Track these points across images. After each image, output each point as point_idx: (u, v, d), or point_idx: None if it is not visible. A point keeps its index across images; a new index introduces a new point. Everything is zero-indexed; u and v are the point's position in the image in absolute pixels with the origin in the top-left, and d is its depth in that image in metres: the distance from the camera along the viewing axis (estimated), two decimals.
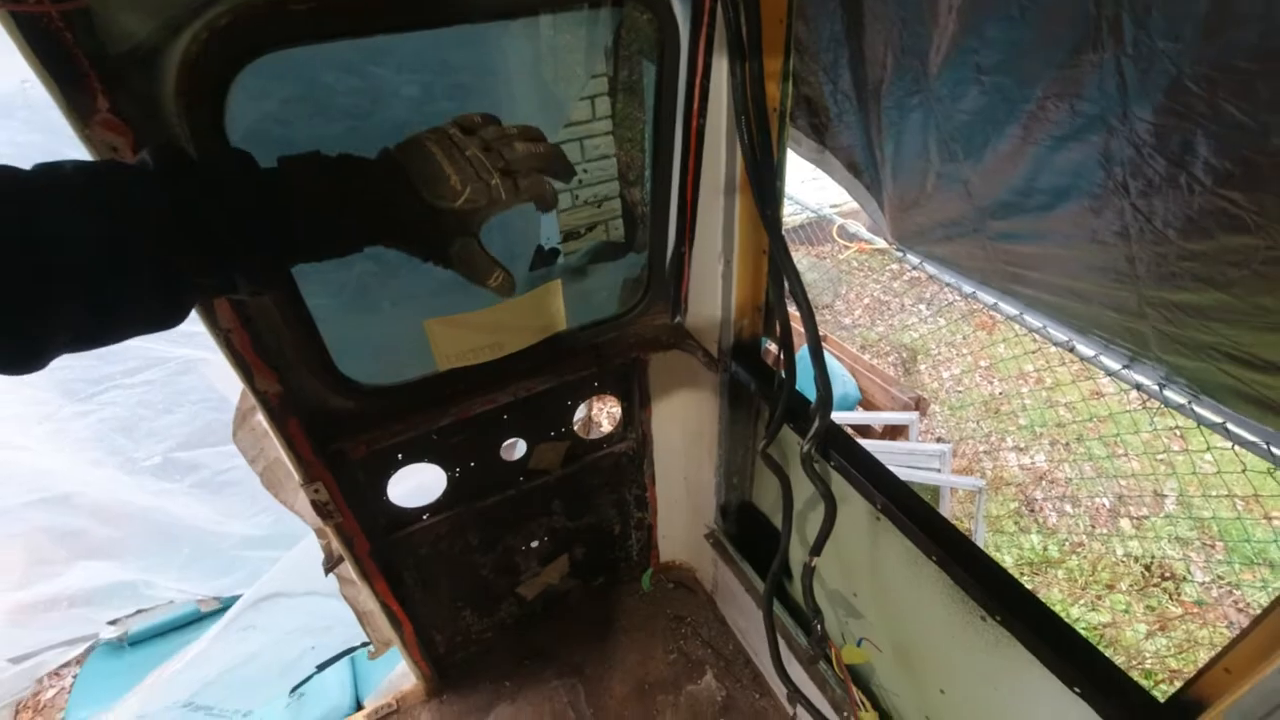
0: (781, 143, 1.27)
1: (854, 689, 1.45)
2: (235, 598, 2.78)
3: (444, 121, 0.90)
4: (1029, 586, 4.09)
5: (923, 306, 7.46)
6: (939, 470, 3.40)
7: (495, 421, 1.74)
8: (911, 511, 1.23)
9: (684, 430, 2.02)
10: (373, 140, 0.89)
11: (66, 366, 2.55)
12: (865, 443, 3.70)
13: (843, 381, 3.79)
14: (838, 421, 3.81)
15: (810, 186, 7.68)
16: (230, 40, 0.94)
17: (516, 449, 1.88)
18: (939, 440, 4.68)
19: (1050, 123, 1.28)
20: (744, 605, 2.10)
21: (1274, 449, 2.16)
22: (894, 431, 3.68)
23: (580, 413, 1.92)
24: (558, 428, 1.88)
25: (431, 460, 1.73)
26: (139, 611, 3.03)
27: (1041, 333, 2.96)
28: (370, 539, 1.63)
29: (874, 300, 7.49)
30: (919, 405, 3.59)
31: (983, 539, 3.22)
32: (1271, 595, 4.17)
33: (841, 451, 1.37)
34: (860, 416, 3.66)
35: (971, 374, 6.31)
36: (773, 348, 1.60)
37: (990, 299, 3.18)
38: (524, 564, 2.14)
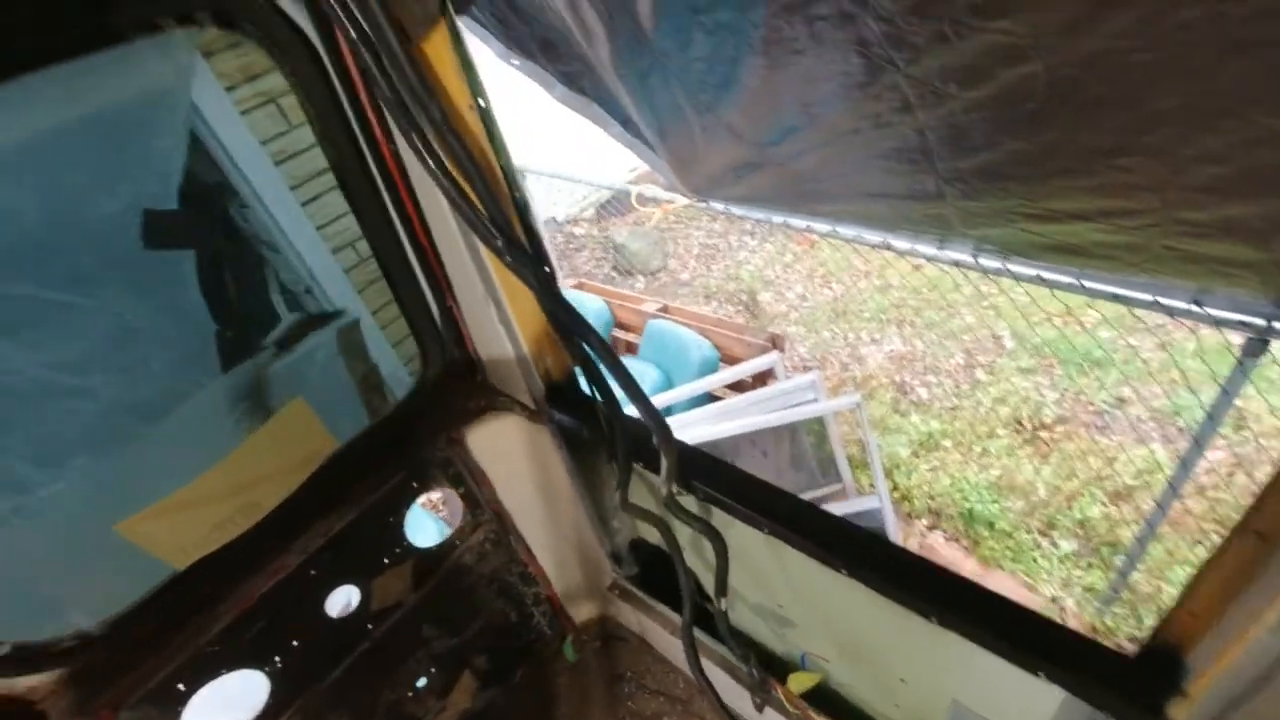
0: (497, 144, 0.99)
1: (812, 716, 1.27)
2: None
3: None
4: (928, 467, 4.23)
5: (749, 238, 7.63)
6: (815, 399, 3.38)
7: (302, 585, 1.36)
8: (804, 525, 1.04)
9: (539, 490, 1.73)
10: None
11: None
12: (740, 399, 3.62)
13: (697, 347, 3.67)
14: (705, 389, 3.69)
15: (605, 153, 7.56)
16: None
17: (348, 596, 1.50)
18: (806, 369, 4.76)
19: (789, 40, 1.11)
20: (676, 642, 1.87)
21: (1084, 283, 2.26)
22: (764, 377, 3.63)
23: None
24: (390, 551, 1.52)
25: (233, 668, 1.32)
26: None
27: (856, 240, 2.97)
28: None
29: (702, 248, 7.55)
30: (775, 343, 3.55)
31: (876, 452, 3.24)
32: (1110, 393, 4.65)
33: (707, 478, 1.15)
34: (725, 376, 3.56)
35: (812, 286, 6.55)
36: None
37: (801, 223, 3.16)
38: (420, 707, 1.77)
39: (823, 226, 2.85)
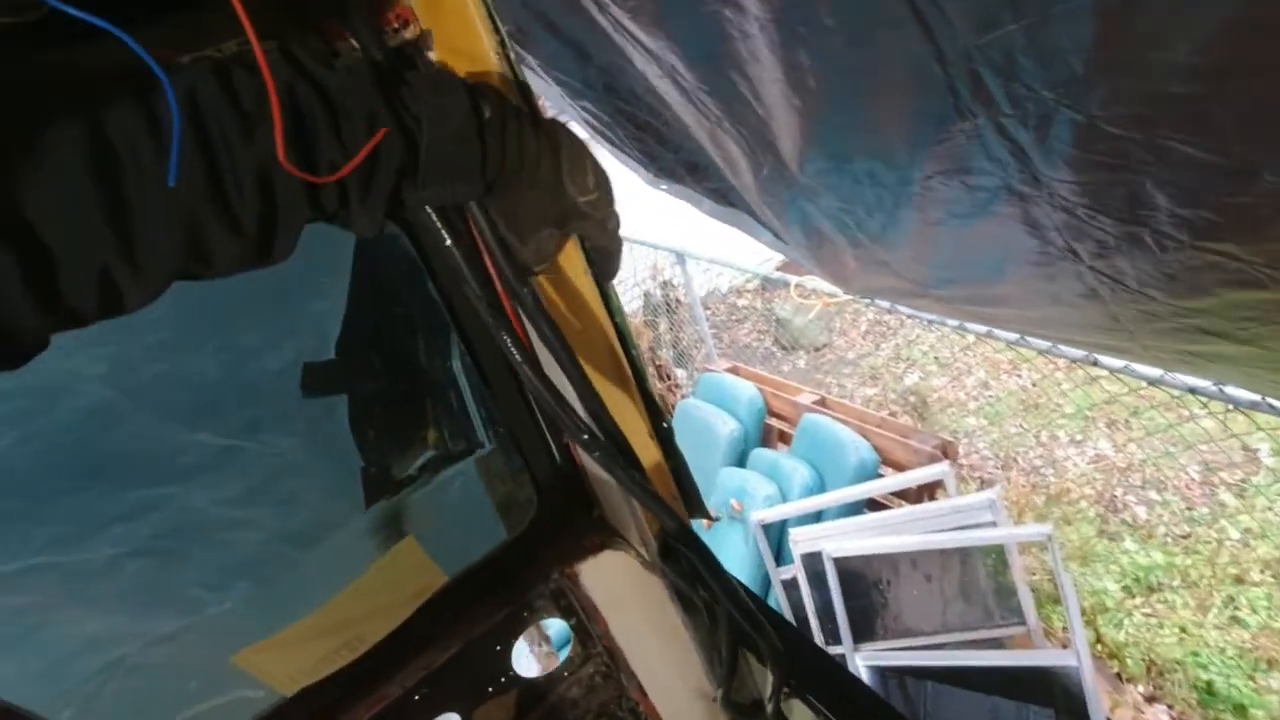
0: (610, 305, 0.93)
1: None
2: None
3: None
4: (1146, 613, 3.46)
5: (923, 317, 7.05)
6: (994, 523, 2.90)
7: (404, 711, 1.35)
8: None
9: (654, 632, 1.60)
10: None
11: None
12: (902, 512, 3.22)
13: (855, 448, 3.35)
14: (861, 496, 3.35)
15: (752, 246, 7.49)
16: None
17: None
18: (984, 482, 4.16)
19: (946, 201, 0.94)
20: None
21: None
22: (932, 489, 3.21)
23: None
24: (495, 681, 1.48)
25: None
26: None
27: (1052, 352, 2.54)
28: None
29: (870, 325, 7.09)
30: (947, 451, 3.13)
31: (1072, 594, 2.68)
32: None
33: (833, 697, 0.96)
34: (886, 484, 3.20)
35: (995, 372, 5.83)
36: None
37: (982, 328, 2.79)
38: None
39: (1008, 335, 2.48)
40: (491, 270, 0.87)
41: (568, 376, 0.80)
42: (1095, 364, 2.35)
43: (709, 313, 7.37)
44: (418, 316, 1.18)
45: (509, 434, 1.24)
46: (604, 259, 0.85)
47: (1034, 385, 5.50)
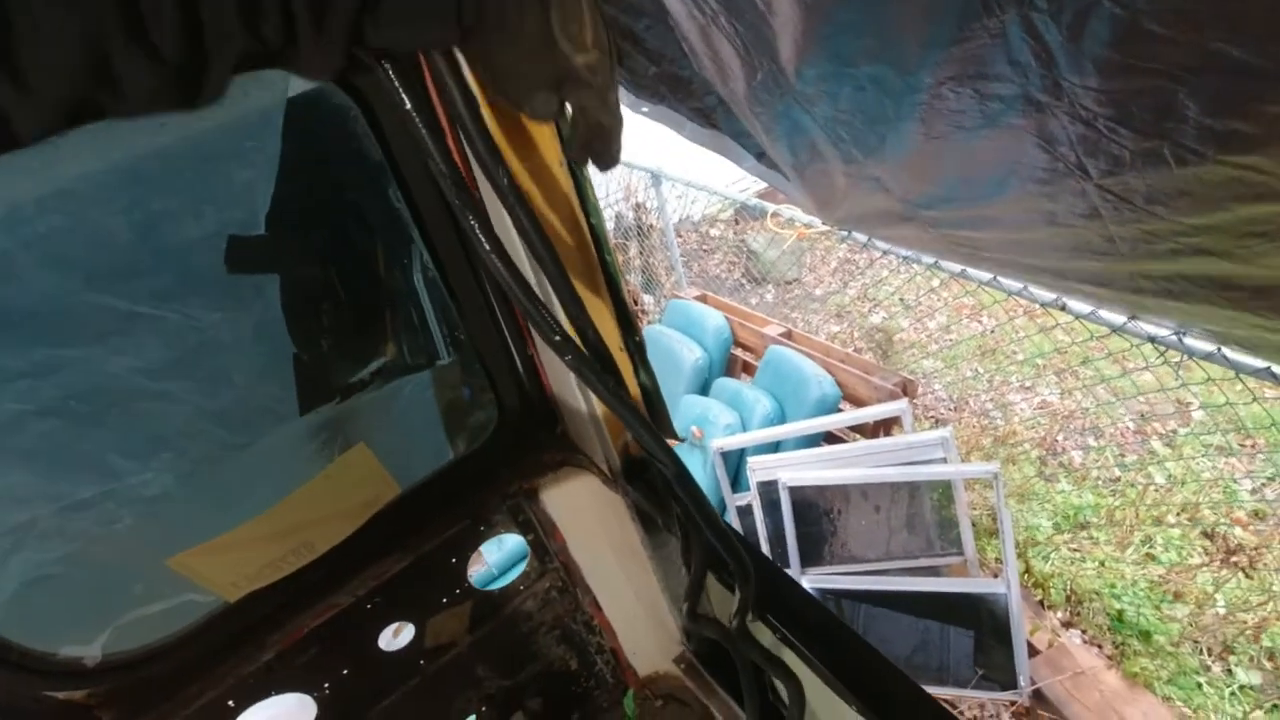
0: (589, 206, 0.85)
1: None
2: None
3: None
4: (1073, 549, 3.67)
5: (892, 257, 7.05)
6: (944, 460, 2.99)
7: (358, 618, 1.32)
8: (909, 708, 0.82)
9: (612, 551, 1.60)
10: None
11: None
12: (858, 445, 3.29)
13: (818, 382, 3.37)
14: (821, 429, 3.40)
15: (734, 172, 7.28)
16: None
17: (402, 633, 1.46)
18: (939, 421, 4.27)
19: (955, 113, 0.87)
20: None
21: None
22: (889, 425, 3.28)
23: None
24: (450, 592, 1.46)
25: (283, 690, 1.31)
26: None
27: (1023, 294, 2.55)
28: None
29: (841, 262, 7.08)
30: (906, 389, 3.18)
31: (1009, 529, 2.81)
32: None
33: (792, 618, 0.95)
34: (844, 418, 3.25)
35: (958, 317, 5.92)
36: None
37: (956, 267, 2.77)
38: None
39: (982, 274, 2.47)
40: (454, 148, 0.77)
41: (544, 272, 0.72)
42: (1063, 308, 2.36)
43: (680, 240, 7.23)
44: (368, 200, 1.06)
45: (470, 341, 1.16)
46: (602, 141, 0.70)
47: (993, 332, 5.62)
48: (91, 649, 1.03)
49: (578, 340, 0.73)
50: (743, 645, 0.97)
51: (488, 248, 0.65)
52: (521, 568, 1.60)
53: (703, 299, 4.25)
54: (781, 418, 3.51)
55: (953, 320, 5.81)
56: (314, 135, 1.03)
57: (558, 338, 0.72)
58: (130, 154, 0.90)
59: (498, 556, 3.27)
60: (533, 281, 0.83)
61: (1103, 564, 3.63)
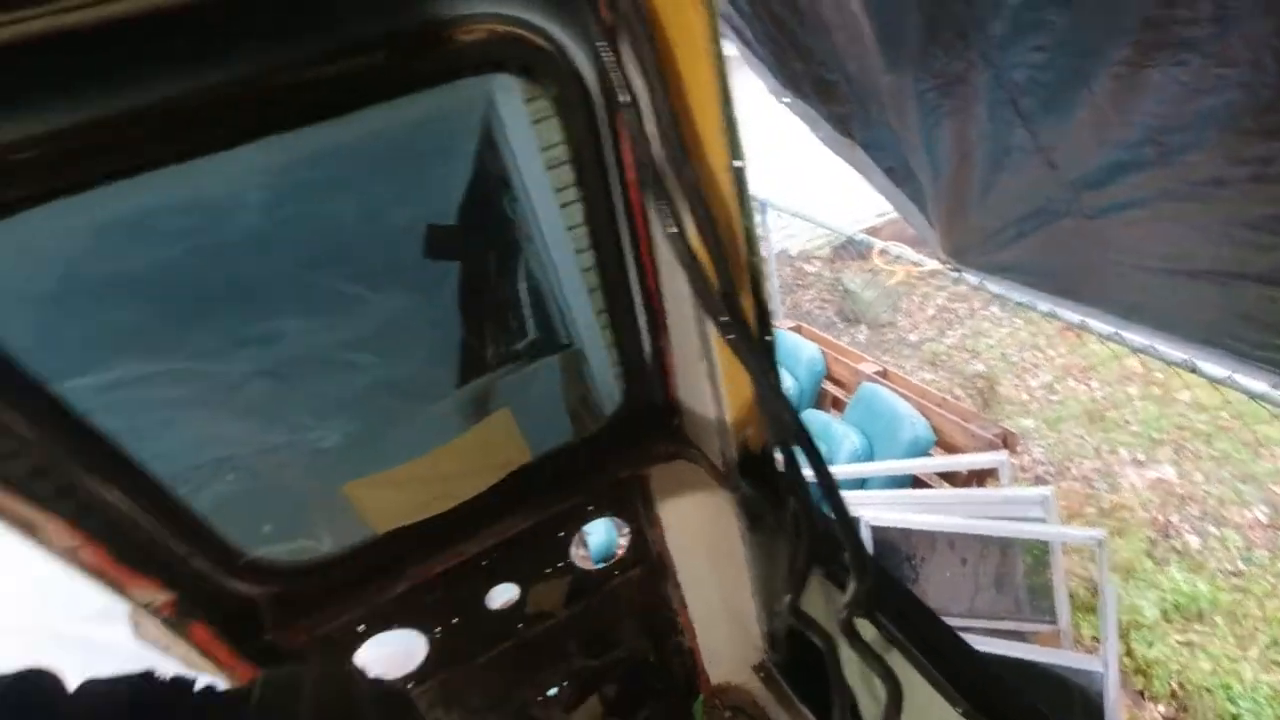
0: (745, 211, 0.94)
1: None
2: None
3: None
4: (1182, 640, 3.39)
5: (995, 308, 6.76)
6: (1043, 520, 2.86)
7: (474, 571, 1.45)
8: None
9: (709, 547, 1.66)
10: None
11: None
12: (948, 493, 3.19)
13: (910, 424, 3.31)
14: (910, 471, 3.32)
15: (849, 197, 7.22)
16: None
17: (508, 594, 1.58)
18: (1038, 480, 4.06)
19: (1167, 47, 0.87)
20: None
21: None
22: (983, 476, 3.17)
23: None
24: (553, 564, 1.57)
25: (405, 625, 1.45)
26: None
27: (1150, 351, 2.43)
28: None
29: (939, 310, 6.87)
30: (1006, 442, 3.07)
31: (1112, 603, 2.65)
32: None
33: (896, 615, 0.99)
34: (936, 463, 3.17)
35: (1064, 378, 5.61)
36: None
37: (1076, 316, 2.67)
38: (546, 716, 1.81)
39: (1104, 327, 2.36)
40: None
41: (713, 260, 0.81)
42: (1194, 370, 2.23)
43: (775, 274, 7.24)
44: (535, 194, 1.20)
45: (610, 331, 1.27)
46: None
47: (1103, 396, 5.29)
48: (267, 557, 1.19)
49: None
50: (849, 639, 1.01)
51: (674, 229, 0.76)
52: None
53: (798, 329, 4.27)
54: (869, 455, 3.46)
55: (1058, 380, 5.51)
56: (498, 133, 1.19)
57: (725, 318, 0.81)
58: (351, 151, 1.06)
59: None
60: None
61: (1219, 661, 3.32)
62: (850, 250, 6.45)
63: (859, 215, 6.46)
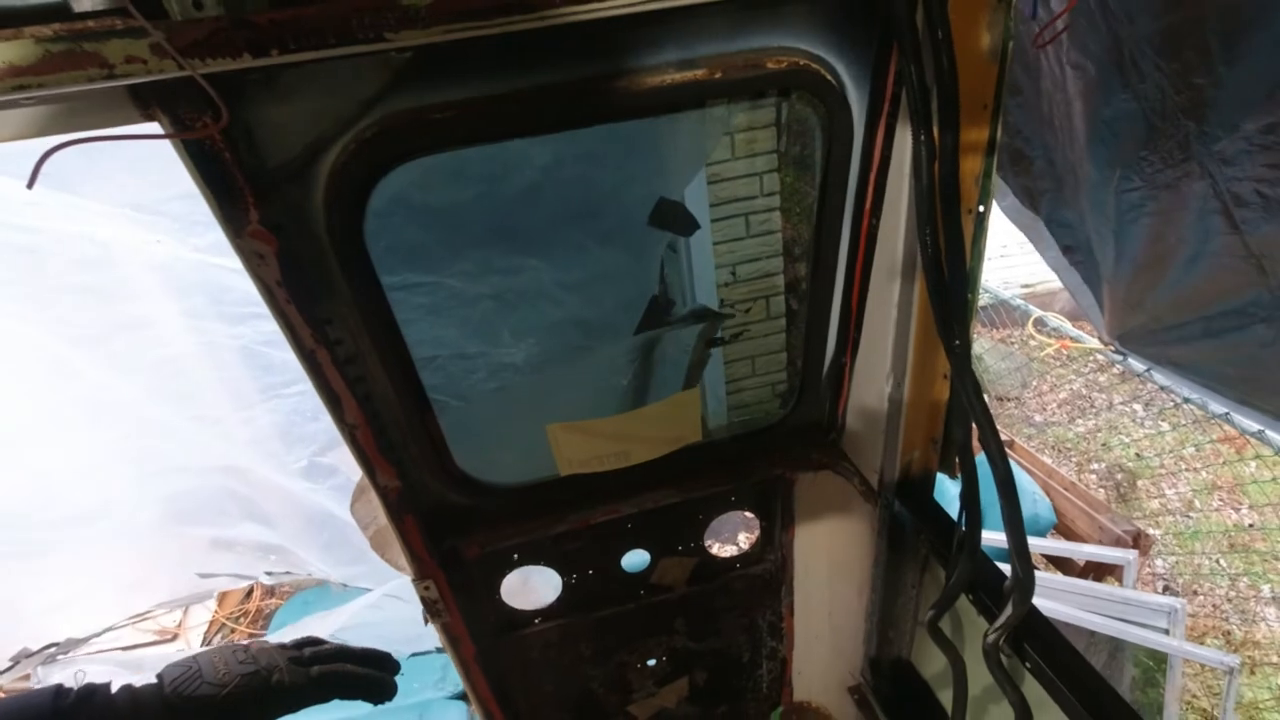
0: (977, 254, 1.03)
1: None
2: (359, 589, 3.35)
3: None
4: None
5: (1138, 406, 6.27)
6: (1167, 632, 2.68)
7: (618, 531, 1.60)
8: None
9: (831, 561, 1.73)
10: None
11: (236, 378, 2.90)
12: (1060, 579, 3.05)
13: (1032, 500, 3.19)
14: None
15: (996, 263, 6.94)
16: (376, 150, 0.93)
17: (639, 560, 1.72)
18: (1166, 590, 3.76)
19: None
20: None
21: None
22: (1099, 571, 3.00)
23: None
24: (686, 543, 1.69)
25: (548, 564, 1.62)
26: (288, 572, 3.43)
27: None
28: (477, 642, 1.54)
29: (1073, 395, 6.46)
30: (1137, 542, 2.90)
31: None
32: None
33: (1043, 650, 1.03)
34: (1054, 545, 3.04)
35: (1208, 495, 5.13)
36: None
37: (1255, 424, 2.50)
38: (638, 682, 1.93)
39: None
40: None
41: (952, 282, 0.91)
42: None
43: None
44: (784, 195, 1.35)
45: (801, 339, 1.39)
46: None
47: (1253, 524, 4.80)
48: (473, 474, 1.39)
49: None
50: (989, 663, 1.06)
51: (931, 249, 0.86)
52: None
53: None
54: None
55: (1201, 493, 5.05)
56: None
57: (957, 342, 0.90)
58: (627, 134, 1.24)
59: None
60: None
61: None
62: (987, 315, 6.21)
63: (1004, 282, 6.22)
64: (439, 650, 3.56)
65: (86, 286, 2.41)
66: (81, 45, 0.63)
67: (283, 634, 3.62)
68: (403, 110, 0.90)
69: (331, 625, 3.26)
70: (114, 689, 0.77)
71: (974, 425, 1.05)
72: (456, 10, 0.73)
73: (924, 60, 0.84)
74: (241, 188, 0.87)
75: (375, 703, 0.99)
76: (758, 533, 1.75)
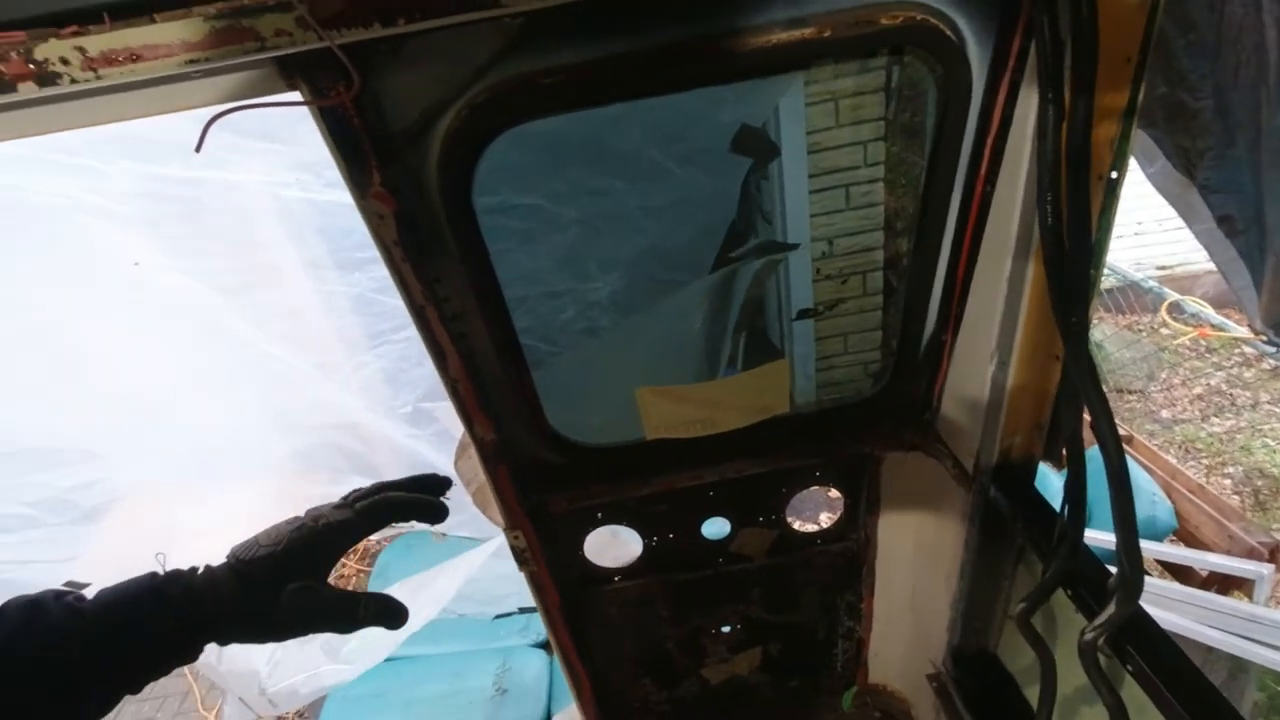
0: (1105, 226, 0.95)
1: None
2: (460, 538, 3.46)
3: None
4: None
5: None
6: None
7: (700, 498, 1.63)
8: None
9: (917, 544, 1.68)
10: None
11: (349, 325, 3.09)
12: (1177, 588, 2.81)
13: (1150, 500, 2.93)
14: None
15: (1129, 241, 6.31)
16: (487, 115, 0.98)
17: (719, 528, 1.74)
18: None
19: None
20: None
21: None
22: (1225, 584, 2.74)
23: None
24: (767, 514, 1.70)
25: (630, 524, 1.68)
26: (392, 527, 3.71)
27: None
28: (561, 593, 1.63)
29: (1209, 391, 5.84)
30: (1275, 556, 2.62)
31: None
32: None
33: (1146, 652, 0.97)
34: (1173, 553, 2.80)
35: None
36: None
37: None
38: (712, 647, 1.98)
39: None
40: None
41: (1073, 254, 0.85)
42: None
43: None
44: (889, 165, 1.30)
45: (899, 314, 1.34)
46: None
47: None
48: (564, 432, 1.45)
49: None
50: (1085, 662, 1.01)
51: (1051, 220, 0.81)
52: None
53: None
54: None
55: None
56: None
57: (1074, 320, 0.85)
58: None
59: None
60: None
61: None
62: (1114, 298, 5.68)
63: (1137, 262, 5.66)
64: (521, 611, 3.72)
65: (234, 238, 2.65)
66: (240, 21, 0.69)
67: (388, 581, 3.89)
68: (513, 75, 0.93)
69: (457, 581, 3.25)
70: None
71: (1086, 412, 0.98)
72: None
73: (1059, 8, 0.77)
74: (367, 151, 0.94)
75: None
76: (841, 511, 1.73)
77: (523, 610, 3.70)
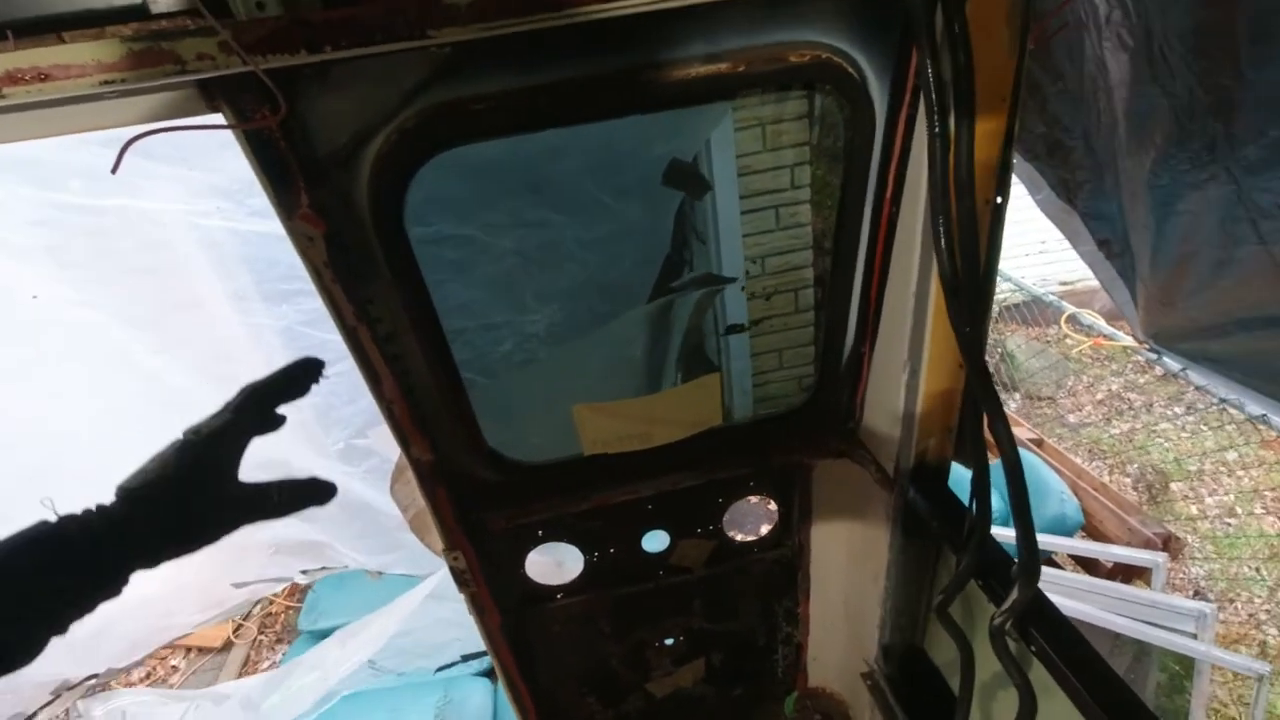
0: (994, 245, 1.05)
1: None
2: (398, 575, 3.34)
3: None
4: None
5: (1178, 408, 6.10)
6: (1195, 637, 2.64)
7: (639, 511, 1.65)
8: None
9: (848, 549, 1.76)
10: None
11: (277, 360, 2.99)
12: (1084, 579, 3.02)
13: (1059, 499, 3.15)
14: (1052, 549, 3.17)
15: (1034, 259, 6.79)
16: (417, 139, 0.99)
17: (659, 541, 1.77)
18: (1196, 595, 3.67)
19: None
20: None
21: None
22: (1128, 573, 2.96)
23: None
24: (705, 525, 1.74)
25: (570, 541, 1.69)
26: (323, 568, 3.50)
27: None
28: (502, 613, 1.61)
29: (1110, 396, 6.31)
30: (1168, 545, 2.85)
31: None
32: None
33: (1047, 634, 1.06)
34: (1079, 545, 3.00)
35: (1251, 504, 4.99)
36: None
37: None
38: (656, 660, 1.99)
39: None
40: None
41: (965, 271, 0.94)
42: None
43: None
44: (815, 188, 1.38)
45: (820, 328, 1.42)
46: None
47: None
48: (500, 451, 1.45)
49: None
50: (995, 646, 1.08)
51: (944, 241, 0.89)
52: None
53: None
54: (1004, 520, 3.33)
55: (1243, 500, 4.91)
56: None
57: (968, 329, 0.93)
58: None
59: None
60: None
61: None
62: (1020, 312, 6.09)
63: (1037, 278, 6.09)
64: (465, 659, 3.53)
65: (146, 267, 2.52)
66: (159, 44, 0.69)
67: (319, 616, 3.72)
68: (442, 102, 0.95)
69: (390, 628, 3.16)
70: None
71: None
72: (493, 8, 0.78)
73: (941, 55, 0.86)
74: (294, 173, 0.94)
75: (318, 504, 1.03)
76: (776, 520, 1.79)
77: (466, 658, 3.53)
